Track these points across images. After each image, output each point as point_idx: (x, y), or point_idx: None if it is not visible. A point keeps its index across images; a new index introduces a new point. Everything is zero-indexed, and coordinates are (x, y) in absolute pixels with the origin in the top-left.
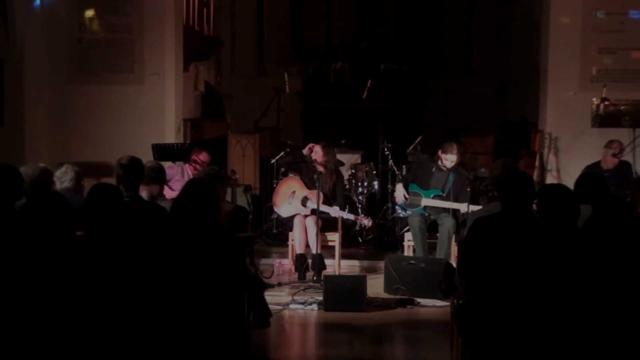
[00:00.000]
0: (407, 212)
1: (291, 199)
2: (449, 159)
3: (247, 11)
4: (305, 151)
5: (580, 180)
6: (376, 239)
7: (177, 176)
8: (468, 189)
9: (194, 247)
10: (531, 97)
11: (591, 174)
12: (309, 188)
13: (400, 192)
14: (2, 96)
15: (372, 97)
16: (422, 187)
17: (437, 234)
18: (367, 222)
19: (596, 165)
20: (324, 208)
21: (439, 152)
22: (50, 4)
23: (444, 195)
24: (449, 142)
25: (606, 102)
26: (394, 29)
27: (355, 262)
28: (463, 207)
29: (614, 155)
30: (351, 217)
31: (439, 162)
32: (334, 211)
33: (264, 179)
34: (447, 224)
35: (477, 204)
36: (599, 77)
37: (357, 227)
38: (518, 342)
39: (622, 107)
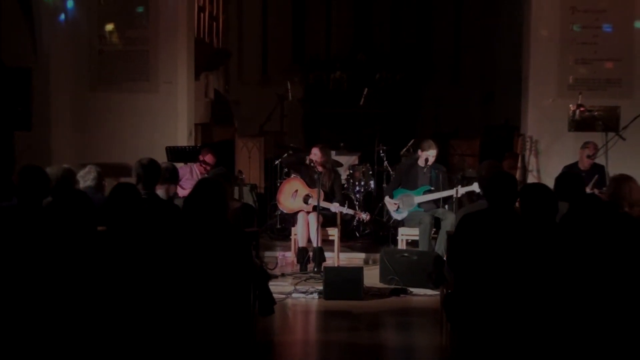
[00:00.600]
0: (403, 213)
1: (294, 198)
2: (430, 155)
3: (252, 25)
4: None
5: (559, 180)
6: (372, 234)
7: (187, 175)
8: (458, 186)
9: (205, 241)
10: (514, 103)
11: (568, 174)
12: (309, 187)
13: (389, 202)
14: (30, 102)
15: (368, 103)
16: (409, 188)
17: (440, 229)
18: (364, 216)
19: (574, 166)
20: (324, 204)
21: (419, 152)
22: (74, 18)
23: (433, 188)
24: (427, 140)
25: (582, 109)
26: (389, 41)
27: (353, 255)
28: (453, 192)
29: (588, 157)
30: (350, 211)
31: (423, 161)
32: (334, 207)
33: (269, 178)
34: (450, 219)
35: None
36: (575, 85)
37: (355, 222)
38: (501, 328)
39: (596, 113)
